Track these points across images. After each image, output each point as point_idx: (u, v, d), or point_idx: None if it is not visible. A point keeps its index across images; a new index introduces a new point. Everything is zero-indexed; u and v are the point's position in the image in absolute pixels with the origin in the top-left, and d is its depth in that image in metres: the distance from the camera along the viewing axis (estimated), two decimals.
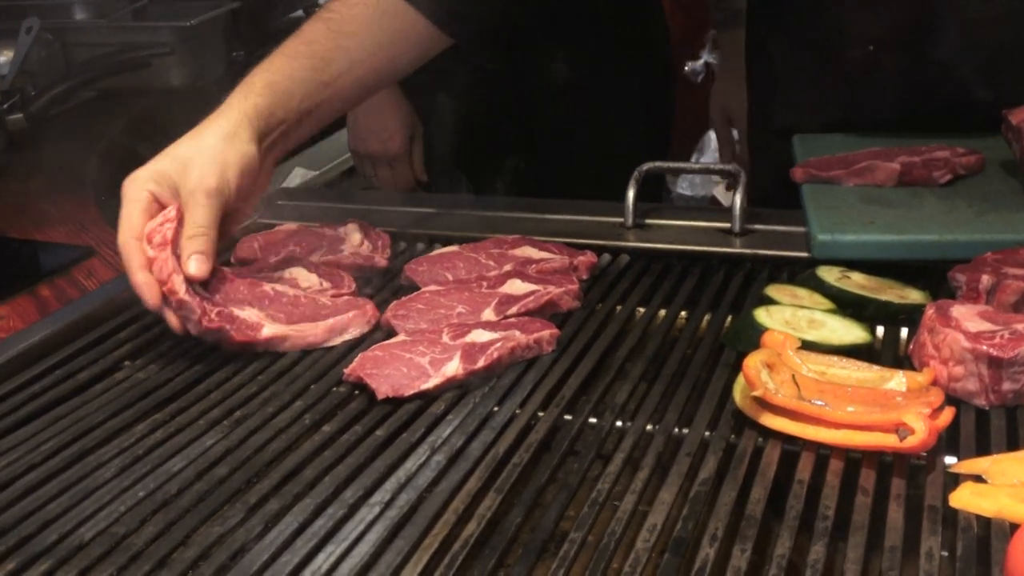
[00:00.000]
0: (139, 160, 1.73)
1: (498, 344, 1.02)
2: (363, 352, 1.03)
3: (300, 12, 2.61)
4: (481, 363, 1.00)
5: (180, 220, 1.08)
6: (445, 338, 1.04)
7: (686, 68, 4.65)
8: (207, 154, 1.10)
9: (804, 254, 1.20)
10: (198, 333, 1.06)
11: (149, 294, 1.05)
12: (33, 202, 1.61)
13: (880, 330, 1.06)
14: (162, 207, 1.09)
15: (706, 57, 4.33)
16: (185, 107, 2.14)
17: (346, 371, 1.01)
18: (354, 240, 1.27)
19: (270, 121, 1.15)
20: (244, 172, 1.11)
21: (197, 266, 1.06)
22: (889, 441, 0.81)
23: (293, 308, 1.11)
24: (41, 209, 1.58)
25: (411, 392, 0.97)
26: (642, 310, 1.14)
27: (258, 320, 1.08)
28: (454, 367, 0.99)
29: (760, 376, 0.87)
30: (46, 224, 1.51)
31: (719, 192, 3.62)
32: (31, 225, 1.50)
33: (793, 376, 0.89)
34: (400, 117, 1.80)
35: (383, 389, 0.97)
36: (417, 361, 1.00)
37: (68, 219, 1.53)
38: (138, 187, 1.09)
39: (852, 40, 1.42)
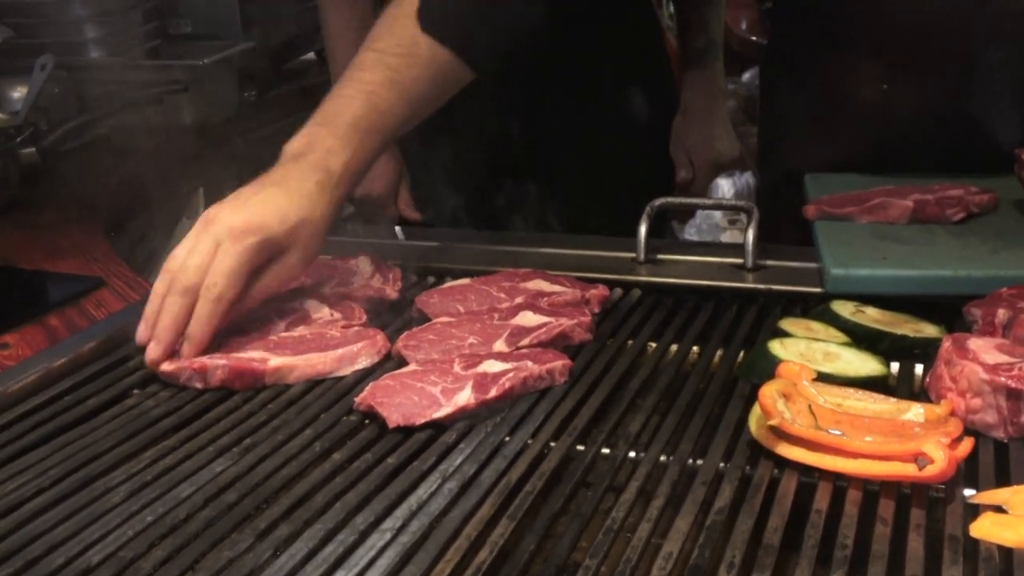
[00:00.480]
0: (147, 196, 1.74)
1: (510, 374, 1.01)
2: (374, 381, 1.02)
3: (312, 54, 2.63)
4: (493, 393, 0.99)
5: None
6: (457, 368, 1.03)
7: None
8: (309, 237, 1.12)
9: (817, 289, 1.19)
10: (205, 384, 1.06)
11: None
12: (44, 234, 1.61)
13: (895, 366, 1.05)
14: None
15: None
16: (196, 145, 2.16)
17: (356, 400, 1.00)
18: (365, 272, 1.27)
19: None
20: (317, 234, 1.14)
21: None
22: (908, 471, 0.80)
23: (299, 343, 1.11)
24: (52, 241, 1.58)
25: (422, 421, 0.96)
26: (654, 345, 1.13)
27: (263, 354, 1.08)
28: (466, 396, 0.98)
29: (776, 405, 0.86)
30: (57, 256, 1.51)
31: (726, 239, 3.63)
32: (42, 256, 1.50)
33: (809, 406, 0.88)
34: (384, 160, 1.77)
35: (394, 418, 0.96)
36: (428, 390, 1.00)
37: (79, 251, 1.53)
38: (249, 241, 1.07)
39: (866, 79, 1.42)
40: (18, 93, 2.01)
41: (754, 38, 3.25)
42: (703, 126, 1.86)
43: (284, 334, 1.14)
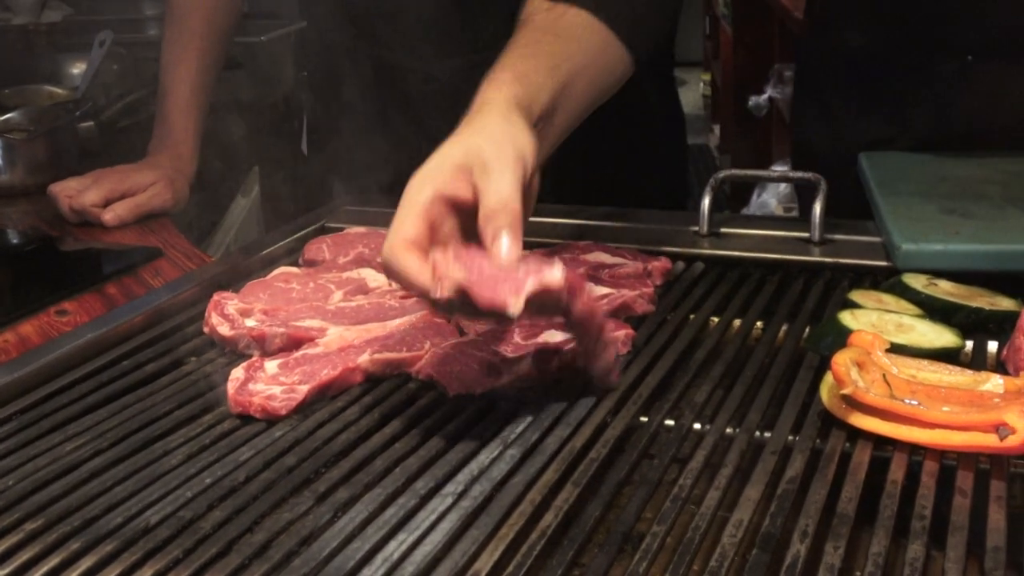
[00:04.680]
0: (203, 173, 1.74)
1: (571, 344, 0.99)
2: (433, 349, 1.01)
3: None
4: (554, 363, 0.97)
5: None
6: (517, 338, 1.02)
7: (749, 103, 4.64)
8: (494, 131, 0.94)
9: (886, 263, 1.16)
10: (263, 352, 1.04)
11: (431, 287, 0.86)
12: None
13: (969, 344, 1.01)
14: (453, 203, 0.90)
15: (770, 92, 4.31)
16: (251, 123, 2.15)
17: (416, 368, 0.99)
18: None
19: (530, 110, 1.02)
20: (532, 149, 0.95)
21: (507, 250, 0.85)
22: (988, 441, 0.77)
23: (357, 313, 1.10)
24: None
25: (482, 389, 0.94)
26: (717, 318, 1.11)
27: (321, 323, 1.07)
28: (526, 366, 0.96)
29: (850, 374, 0.83)
30: (114, 227, 1.51)
31: None
32: (99, 228, 1.50)
33: (884, 375, 0.85)
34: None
35: (454, 386, 0.95)
36: (489, 359, 0.98)
37: (137, 223, 1.53)
38: (417, 187, 0.90)
39: (948, 50, 1.37)
40: (77, 69, 2.03)
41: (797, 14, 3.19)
42: None
43: (342, 303, 1.12)
